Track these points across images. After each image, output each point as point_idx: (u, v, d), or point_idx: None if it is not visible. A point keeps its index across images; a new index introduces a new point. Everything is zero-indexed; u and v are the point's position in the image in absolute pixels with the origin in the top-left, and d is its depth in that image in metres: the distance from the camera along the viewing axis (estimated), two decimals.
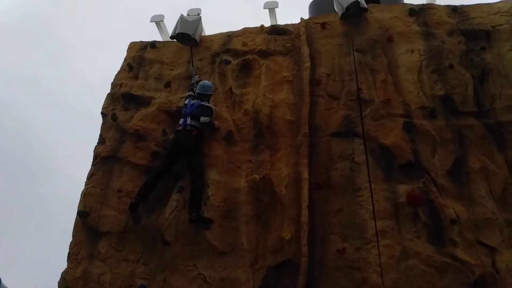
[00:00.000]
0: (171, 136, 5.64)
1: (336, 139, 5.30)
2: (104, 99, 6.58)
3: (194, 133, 5.37)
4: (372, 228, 4.58)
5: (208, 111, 5.48)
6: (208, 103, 5.65)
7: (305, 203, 4.78)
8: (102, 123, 6.31)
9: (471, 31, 5.84)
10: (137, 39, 7.08)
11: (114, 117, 6.11)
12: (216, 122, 5.66)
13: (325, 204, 4.92)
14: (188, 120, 5.42)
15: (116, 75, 6.74)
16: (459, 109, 5.29)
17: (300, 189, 4.91)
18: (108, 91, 6.63)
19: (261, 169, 5.25)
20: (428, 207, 4.65)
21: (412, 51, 5.78)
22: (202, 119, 5.40)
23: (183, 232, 5.00)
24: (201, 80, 6.19)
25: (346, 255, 4.55)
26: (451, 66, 5.52)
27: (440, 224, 4.54)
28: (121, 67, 6.80)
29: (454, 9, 6.16)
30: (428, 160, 4.99)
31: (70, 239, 5.42)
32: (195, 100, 5.61)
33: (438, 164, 4.95)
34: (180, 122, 5.52)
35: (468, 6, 6.15)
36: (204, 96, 5.69)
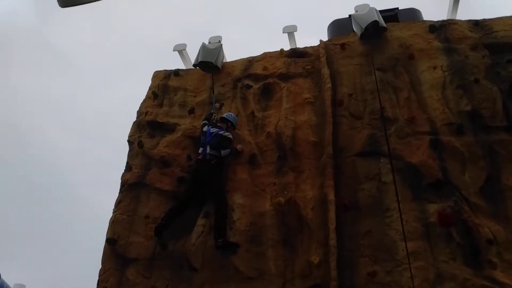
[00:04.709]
0: (192, 166, 5.72)
1: (362, 159, 5.23)
2: (120, 125, 6.78)
3: (213, 162, 5.42)
4: (403, 249, 4.44)
5: (226, 143, 5.52)
6: (227, 131, 5.68)
7: (332, 225, 4.69)
8: (129, 151, 6.47)
9: (496, 44, 5.74)
10: (152, 66, 7.32)
11: (141, 145, 6.26)
12: (239, 146, 5.70)
13: (353, 226, 4.82)
14: (208, 149, 5.48)
15: (141, 103, 6.95)
16: (488, 124, 5.14)
17: (326, 211, 4.83)
18: (127, 118, 6.84)
19: (286, 192, 5.22)
20: (462, 227, 4.47)
21: (435, 68, 5.71)
22: (223, 152, 5.47)
23: (210, 257, 4.98)
24: (222, 106, 6.32)
25: (377, 278, 4.40)
26: (476, 81, 5.41)
27: (476, 244, 4.35)
28: (146, 96, 7.00)
29: (476, 23, 6.09)
30: (458, 177, 4.83)
31: (97, 263, 5.50)
32: (214, 129, 5.66)
33: (469, 182, 4.79)
34: (200, 151, 5.59)
35: (490, 19, 6.07)
36: (227, 121, 5.77)
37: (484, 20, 6.09)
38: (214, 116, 5.96)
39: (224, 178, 5.52)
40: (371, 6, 6.30)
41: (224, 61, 6.95)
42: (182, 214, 5.36)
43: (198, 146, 5.83)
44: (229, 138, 5.59)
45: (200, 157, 5.53)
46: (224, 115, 5.89)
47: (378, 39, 6.17)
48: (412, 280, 4.21)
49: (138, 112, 6.86)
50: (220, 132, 5.58)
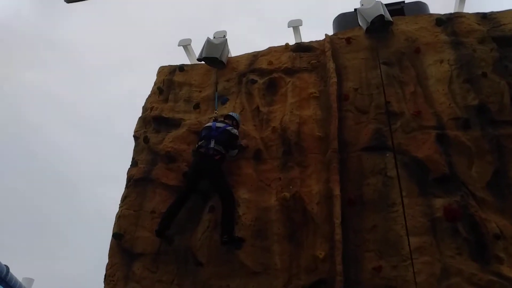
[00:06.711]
0: (193, 158, 5.69)
1: (367, 154, 5.20)
2: (125, 120, 6.80)
3: (217, 157, 5.33)
4: (408, 244, 4.42)
5: (236, 142, 5.49)
6: (234, 128, 5.59)
7: (338, 220, 4.69)
8: (135, 146, 6.49)
9: (504, 37, 5.67)
10: (157, 61, 7.32)
11: (146, 140, 6.28)
12: (244, 141, 5.68)
13: (358, 220, 4.81)
14: (212, 144, 5.34)
15: (146, 99, 6.96)
16: (495, 118, 5.09)
17: (332, 206, 4.83)
18: (129, 112, 6.84)
19: (291, 187, 5.22)
20: (468, 222, 4.44)
21: (441, 61, 5.66)
22: (232, 152, 5.46)
23: (215, 252, 5.00)
24: (227, 101, 6.31)
25: (383, 273, 4.40)
26: (484, 75, 5.35)
27: (483, 239, 4.33)
28: (151, 91, 7.02)
29: (483, 16, 6.01)
30: (465, 172, 4.80)
31: (104, 258, 5.53)
32: (221, 124, 5.60)
33: (476, 176, 4.75)
34: (201, 143, 5.46)
35: (498, 12, 5.99)
36: (232, 119, 5.75)
37: (492, 13, 6.02)
38: (216, 112, 5.94)
39: (226, 172, 5.50)
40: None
41: (229, 56, 6.94)
42: (182, 207, 5.28)
43: None
44: (237, 136, 5.54)
45: (202, 150, 5.42)
46: (230, 113, 5.87)
47: (384, 33, 6.12)
48: (414, 276, 4.19)
49: (143, 107, 6.88)
50: (227, 128, 5.50)
